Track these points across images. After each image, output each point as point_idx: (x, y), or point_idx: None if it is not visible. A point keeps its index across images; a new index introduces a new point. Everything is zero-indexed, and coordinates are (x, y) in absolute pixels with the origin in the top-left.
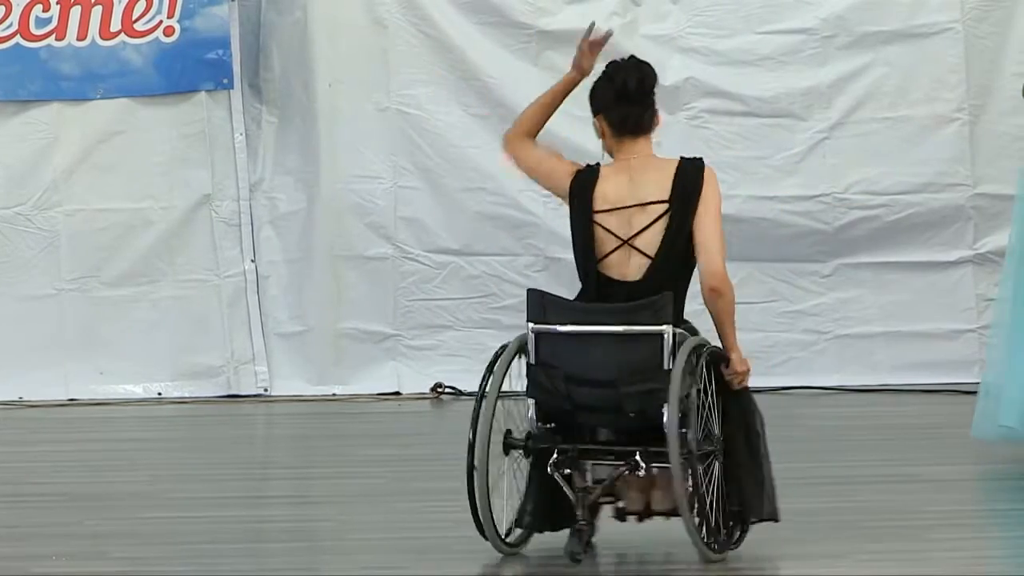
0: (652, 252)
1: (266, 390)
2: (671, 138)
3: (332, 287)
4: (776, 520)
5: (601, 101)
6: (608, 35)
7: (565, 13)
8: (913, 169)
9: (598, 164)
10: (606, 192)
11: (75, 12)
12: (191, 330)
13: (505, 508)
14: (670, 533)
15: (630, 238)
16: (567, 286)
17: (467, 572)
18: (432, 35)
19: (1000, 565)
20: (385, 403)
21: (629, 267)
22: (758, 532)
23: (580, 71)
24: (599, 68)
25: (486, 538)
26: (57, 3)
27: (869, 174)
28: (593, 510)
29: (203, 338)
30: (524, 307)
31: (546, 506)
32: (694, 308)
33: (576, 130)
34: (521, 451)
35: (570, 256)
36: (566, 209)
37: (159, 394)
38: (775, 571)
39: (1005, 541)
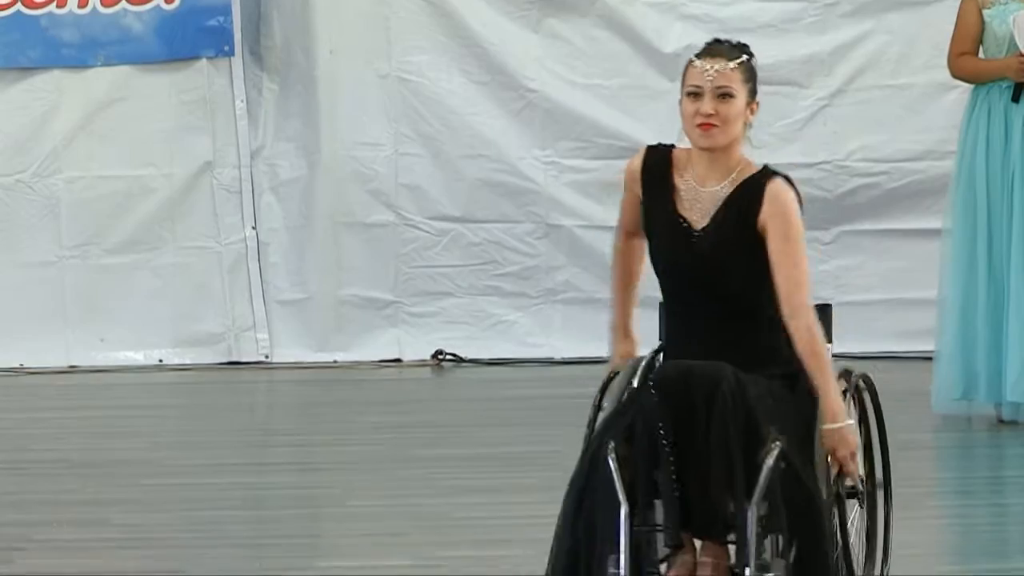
0: None
1: (267, 357)
2: (671, 106)
3: (333, 254)
4: None
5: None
6: None
7: None
8: (914, 137)
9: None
10: None
11: None
12: (192, 297)
13: None
14: None
15: None
16: (566, 253)
17: (467, 538)
18: (433, 2)
19: (997, 531)
20: (386, 370)
21: None
22: None
23: None
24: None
25: None
26: None
27: (870, 141)
28: None
29: (204, 305)
30: (525, 274)
31: None
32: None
33: None
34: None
35: (570, 222)
36: (568, 176)
37: (160, 361)
38: None
39: (1004, 508)
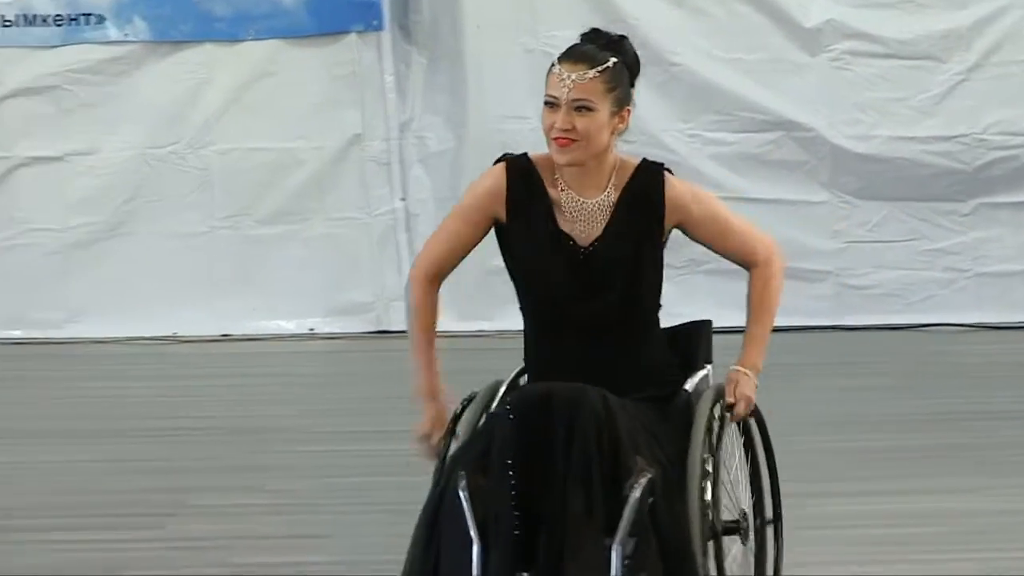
0: None
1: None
2: (812, 80)
3: None
4: None
5: (634, 84)
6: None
7: None
8: None
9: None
10: None
11: None
12: (341, 267)
13: None
14: None
15: None
16: None
17: None
18: None
19: None
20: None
21: None
22: (899, 466)
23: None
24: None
25: None
26: None
27: (1008, 115)
28: None
29: (353, 275)
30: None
31: None
32: None
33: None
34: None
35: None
36: (710, 148)
37: (311, 330)
38: (916, 503)
39: None
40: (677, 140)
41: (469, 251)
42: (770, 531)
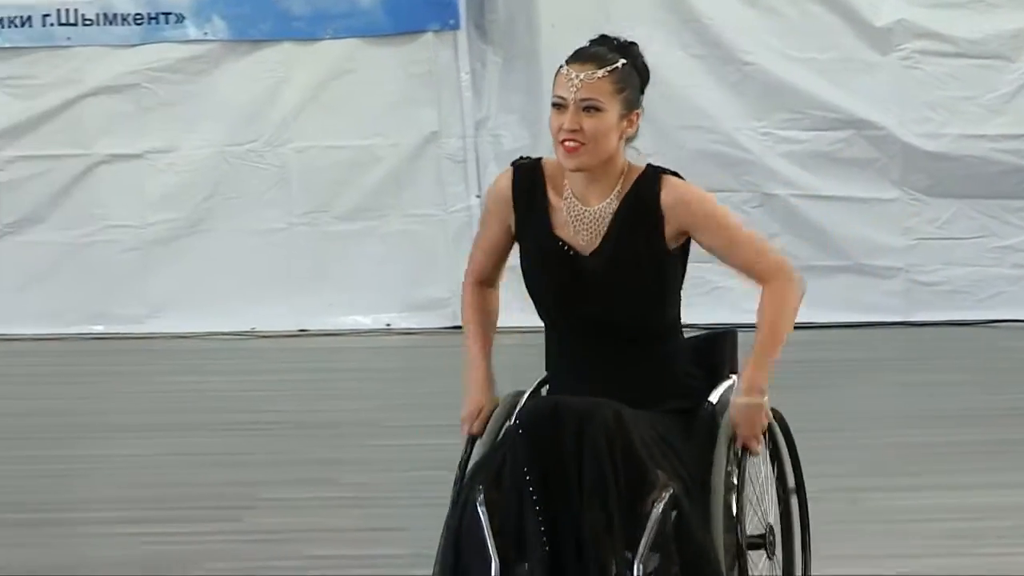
0: None
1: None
2: (883, 79)
3: None
4: None
5: (644, 89)
6: None
7: None
8: None
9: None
10: None
11: None
12: (418, 263)
13: None
14: None
15: None
16: (780, 222)
17: None
18: None
19: None
20: None
21: None
22: (967, 461)
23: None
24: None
25: None
26: None
27: None
28: None
29: (429, 271)
30: None
31: None
32: None
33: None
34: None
35: (785, 191)
36: (783, 147)
37: (387, 325)
38: (985, 497)
39: None
40: (750, 138)
41: (507, 252)
42: (798, 542)
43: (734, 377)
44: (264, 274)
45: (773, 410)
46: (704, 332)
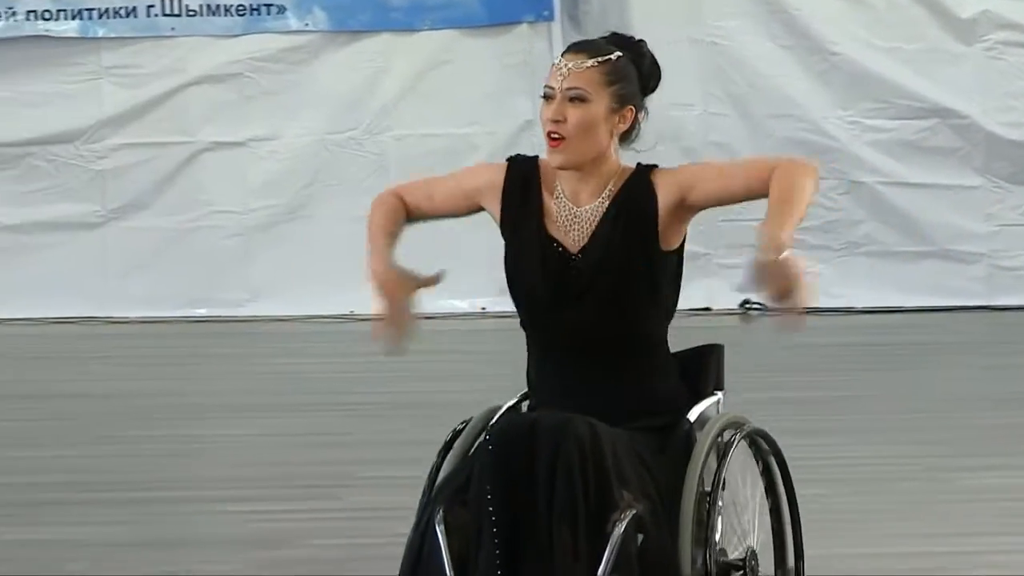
0: None
1: None
2: (967, 69)
3: None
4: None
5: (650, 87)
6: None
7: None
8: None
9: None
10: None
11: None
12: None
13: None
14: None
15: None
16: (867, 208)
17: None
18: None
19: None
20: (697, 318)
21: None
22: None
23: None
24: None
25: None
26: None
27: None
28: None
29: None
30: (828, 228)
31: None
32: None
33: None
34: None
35: (871, 179)
36: (869, 135)
37: (483, 309)
38: None
39: None
40: (837, 127)
41: (446, 209)
42: (791, 567)
43: (719, 394)
44: (362, 259)
45: (762, 431)
46: (690, 347)
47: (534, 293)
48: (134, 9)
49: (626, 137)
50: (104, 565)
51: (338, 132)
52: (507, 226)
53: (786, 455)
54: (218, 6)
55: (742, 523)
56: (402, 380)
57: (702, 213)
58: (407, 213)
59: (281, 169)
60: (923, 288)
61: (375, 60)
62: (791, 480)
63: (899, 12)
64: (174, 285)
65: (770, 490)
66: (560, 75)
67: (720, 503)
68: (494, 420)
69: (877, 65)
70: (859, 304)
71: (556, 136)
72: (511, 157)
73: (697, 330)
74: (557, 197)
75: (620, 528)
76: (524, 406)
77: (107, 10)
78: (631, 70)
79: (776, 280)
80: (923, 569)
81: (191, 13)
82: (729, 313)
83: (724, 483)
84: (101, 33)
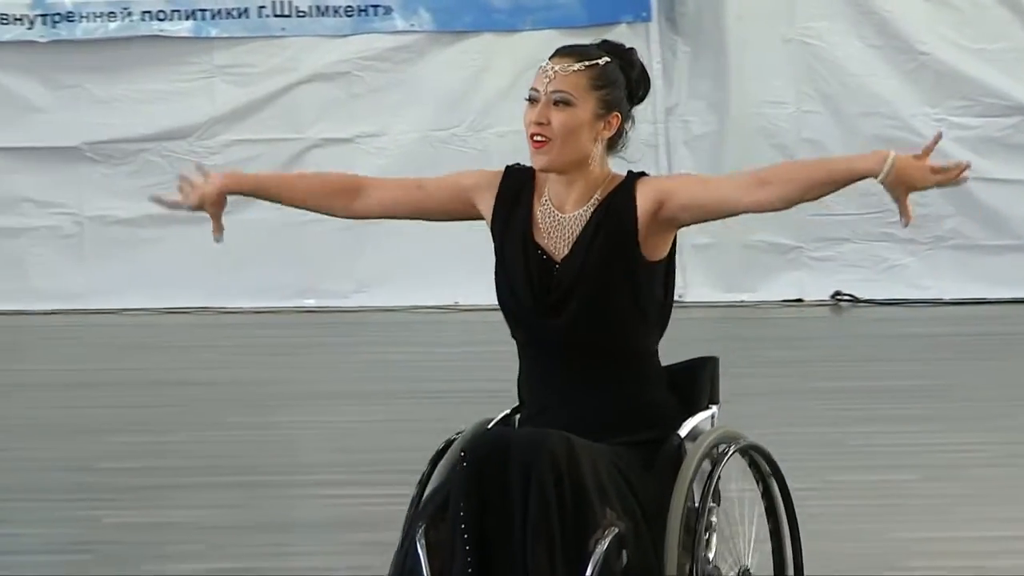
0: None
1: (680, 297)
2: None
3: None
4: None
5: (638, 95)
6: None
7: None
8: None
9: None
10: None
11: None
12: None
13: None
14: None
15: None
16: (954, 204)
17: (859, 464)
18: None
19: None
20: (788, 309)
21: None
22: None
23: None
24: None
25: None
26: None
27: None
28: None
29: None
30: (916, 222)
31: None
32: None
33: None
34: None
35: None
36: (956, 132)
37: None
38: None
39: None
40: (924, 124)
41: (430, 194)
42: None
43: (713, 408)
44: (465, 250)
45: (757, 446)
46: (683, 360)
47: (517, 299)
48: (246, 10)
49: (613, 145)
50: (216, 547)
51: (442, 129)
52: (496, 226)
53: (791, 469)
54: (327, 7)
55: (737, 546)
56: (502, 369)
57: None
58: (355, 198)
59: (387, 164)
60: (1008, 280)
61: (478, 59)
62: (791, 498)
63: (984, 13)
64: (283, 277)
65: (769, 509)
66: (546, 78)
67: (714, 519)
68: (468, 435)
69: (963, 64)
70: (947, 296)
71: (540, 139)
72: (509, 165)
73: (789, 321)
74: (544, 204)
75: (602, 547)
76: (516, 420)
77: (219, 11)
78: (619, 76)
79: (906, 175)
80: (1006, 552)
81: (301, 14)
82: (820, 304)
83: (719, 498)
84: (214, 33)
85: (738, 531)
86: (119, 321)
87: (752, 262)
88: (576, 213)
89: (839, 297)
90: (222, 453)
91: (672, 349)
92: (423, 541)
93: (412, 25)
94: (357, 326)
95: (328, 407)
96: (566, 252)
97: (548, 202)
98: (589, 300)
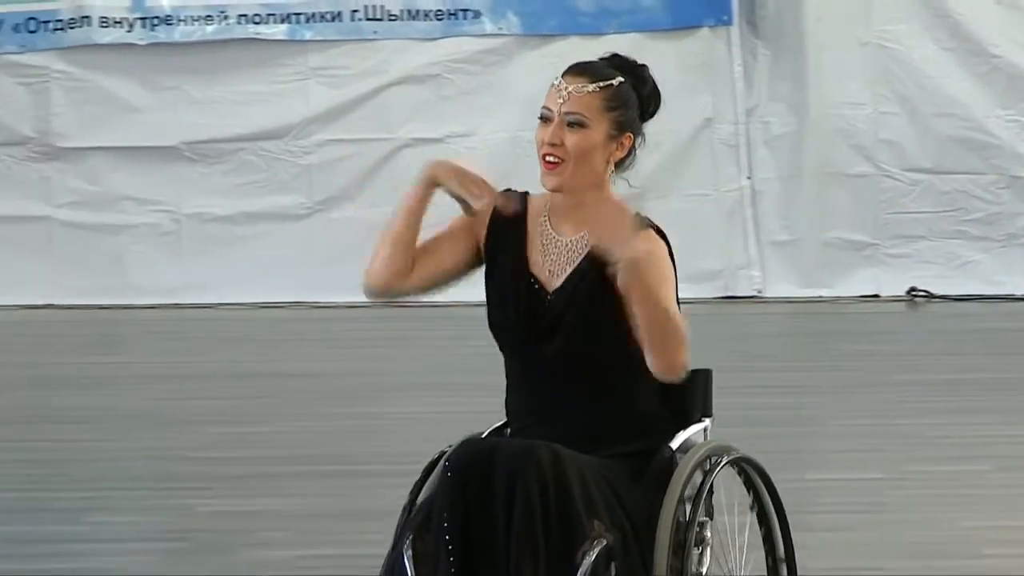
0: None
1: (759, 292)
2: None
3: (819, 201)
4: None
5: (649, 112)
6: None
7: None
8: None
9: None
10: None
11: None
12: (693, 239)
13: None
14: None
15: None
16: None
17: (935, 455)
18: None
19: None
20: (865, 304)
21: None
22: None
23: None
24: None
25: None
26: None
27: None
28: None
29: (704, 246)
30: (989, 220)
31: None
32: None
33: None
34: None
35: None
36: None
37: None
38: None
39: None
40: (997, 125)
41: (448, 251)
42: None
43: (706, 421)
44: None
45: (749, 458)
46: None
47: (506, 323)
48: (339, 14)
49: (621, 164)
50: (305, 534)
51: (529, 130)
52: (488, 243)
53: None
54: (418, 11)
55: (728, 560)
56: None
57: (872, 202)
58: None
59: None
60: None
61: (564, 62)
62: (783, 510)
63: None
64: None
65: (762, 520)
66: (560, 98)
67: (708, 534)
68: (455, 447)
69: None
70: (1019, 292)
71: (553, 159)
72: (502, 192)
73: (865, 316)
74: (542, 223)
75: (590, 559)
76: (507, 433)
77: (313, 15)
78: (632, 96)
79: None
80: None
81: (392, 17)
82: (896, 300)
83: (712, 512)
84: (308, 36)
85: (731, 544)
86: (215, 315)
87: (830, 259)
88: (575, 238)
89: (914, 293)
90: (313, 443)
91: (751, 343)
92: (410, 552)
93: (500, 28)
94: (446, 320)
95: (414, 398)
96: (559, 283)
97: (546, 221)
98: (579, 330)
